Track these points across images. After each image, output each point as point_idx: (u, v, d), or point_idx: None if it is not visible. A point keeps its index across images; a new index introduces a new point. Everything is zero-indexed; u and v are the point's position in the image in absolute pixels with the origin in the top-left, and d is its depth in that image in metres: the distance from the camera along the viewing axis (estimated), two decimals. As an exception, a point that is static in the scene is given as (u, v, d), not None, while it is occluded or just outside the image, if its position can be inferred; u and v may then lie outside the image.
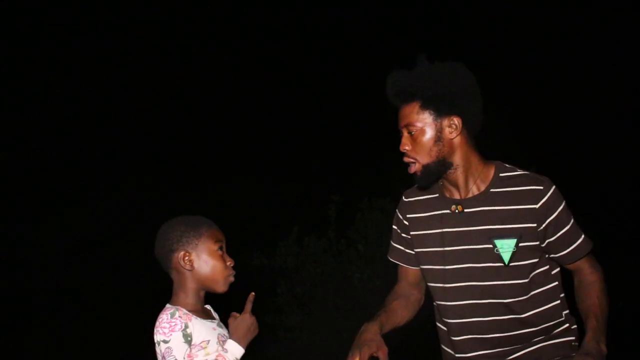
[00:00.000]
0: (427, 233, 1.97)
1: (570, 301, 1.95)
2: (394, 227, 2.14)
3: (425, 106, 1.85)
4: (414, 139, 1.86)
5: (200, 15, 10.26)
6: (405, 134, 1.88)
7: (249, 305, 1.81)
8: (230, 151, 10.01)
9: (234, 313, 1.83)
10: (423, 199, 2.02)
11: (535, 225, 1.83)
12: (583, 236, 1.89)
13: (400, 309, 2.06)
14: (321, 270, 5.98)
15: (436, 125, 1.85)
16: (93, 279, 8.00)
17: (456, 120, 1.86)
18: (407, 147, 1.88)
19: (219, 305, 1.95)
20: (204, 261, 1.80)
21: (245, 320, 1.79)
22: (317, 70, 9.91)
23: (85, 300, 7.76)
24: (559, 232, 1.85)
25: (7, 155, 8.98)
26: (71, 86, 9.81)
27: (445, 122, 1.86)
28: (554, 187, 1.86)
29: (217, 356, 1.71)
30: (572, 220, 1.88)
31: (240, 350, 1.75)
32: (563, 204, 1.86)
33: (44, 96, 9.69)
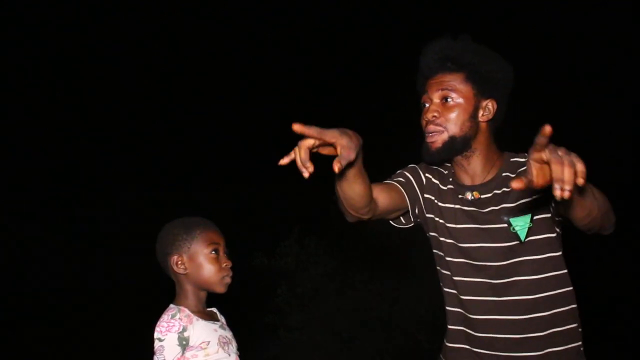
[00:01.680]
0: (444, 206, 1.91)
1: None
2: (405, 172, 1.97)
3: (470, 79, 1.80)
4: (447, 108, 1.79)
5: (200, 17, 10.27)
6: (438, 101, 1.81)
7: None
8: (231, 152, 10.02)
9: None
10: (443, 172, 1.95)
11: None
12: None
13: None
14: (322, 270, 5.99)
15: (474, 102, 1.81)
16: (97, 279, 8.01)
17: (491, 105, 1.83)
18: (436, 114, 1.79)
19: (219, 305, 1.95)
20: (197, 264, 1.80)
21: None
22: (317, 70, 9.91)
23: (89, 300, 7.77)
24: None
25: (10, 155, 8.98)
26: (75, 86, 9.82)
27: (483, 102, 1.83)
28: None
29: None
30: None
31: None
32: None
33: (47, 96, 9.69)
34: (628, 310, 6.54)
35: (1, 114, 9.19)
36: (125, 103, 9.90)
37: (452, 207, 1.89)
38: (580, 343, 1.86)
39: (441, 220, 1.91)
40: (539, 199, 1.78)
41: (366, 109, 9.02)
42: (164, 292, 1.95)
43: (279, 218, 7.85)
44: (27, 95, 9.54)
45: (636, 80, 7.94)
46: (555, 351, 1.81)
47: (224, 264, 1.83)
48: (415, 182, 1.96)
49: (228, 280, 1.83)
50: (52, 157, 9.31)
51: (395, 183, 1.94)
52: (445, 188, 1.93)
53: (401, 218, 2.00)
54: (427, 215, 1.96)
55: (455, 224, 1.88)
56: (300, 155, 1.49)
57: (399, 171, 2.01)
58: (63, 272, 8.04)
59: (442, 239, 1.92)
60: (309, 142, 1.49)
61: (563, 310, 1.83)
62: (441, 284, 1.98)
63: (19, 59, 9.41)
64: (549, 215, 1.79)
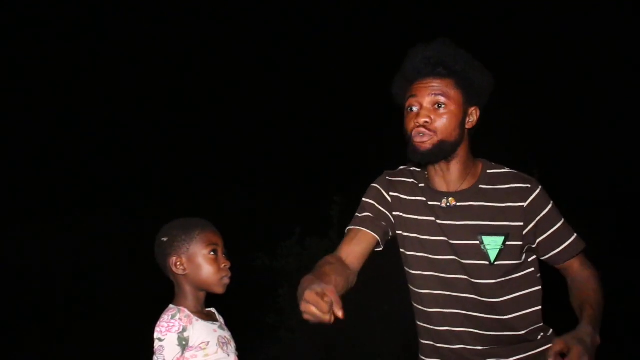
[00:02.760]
0: (413, 218, 1.91)
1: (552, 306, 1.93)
2: (369, 200, 1.97)
3: (459, 86, 1.80)
4: (439, 114, 1.78)
5: (198, 16, 10.28)
6: (429, 106, 1.78)
7: None
8: (232, 153, 10.03)
9: None
10: (409, 182, 1.95)
11: (522, 224, 1.80)
12: (575, 235, 1.86)
13: (334, 274, 1.74)
14: (323, 271, 5.97)
15: (463, 109, 1.81)
16: (96, 279, 8.02)
17: (475, 112, 1.84)
18: (428, 120, 1.77)
19: (220, 305, 1.95)
20: (196, 265, 1.81)
21: None
22: (320, 71, 9.91)
23: (88, 300, 7.78)
24: (550, 229, 1.82)
25: (11, 156, 9.01)
26: (78, 89, 9.85)
27: (469, 109, 1.83)
28: (540, 186, 1.84)
29: None
30: (562, 220, 1.85)
31: None
32: (551, 203, 1.84)
33: (52, 99, 9.72)
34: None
35: (4, 114, 9.22)
36: (125, 105, 9.92)
37: (425, 220, 1.89)
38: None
39: (412, 234, 1.91)
40: (517, 227, 1.81)
41: (368, 109, 9.03)
42: (163, 292, 1.96)
43: (280, 219, 7.85)
44: (34, 99, 9.58)
45: (636, 81, 7.93)
46: (524, 356, 1.85)
47: (223, 265, 1.84)
48: (382, 206, 1.96)
49: (227, 281, 1.84)
50: (55, 159, 9.34)
51: (361, 228, 1.93)
52: (414, 199, 1.92)
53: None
54: (397, 231, 1.96)
55: (430, 235, 1.88)
56: (320, 309, 1.37)
57: (363, 200, 1.99)
58: (62, 273, 8.05)
59: (409, 253, 1.94)
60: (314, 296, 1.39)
61: (532, 329, 1.85)
62: (411, 300, 2.01)
63: (19, 59, 9.44)
64: (520, 243, 1.81)
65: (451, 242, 1.84)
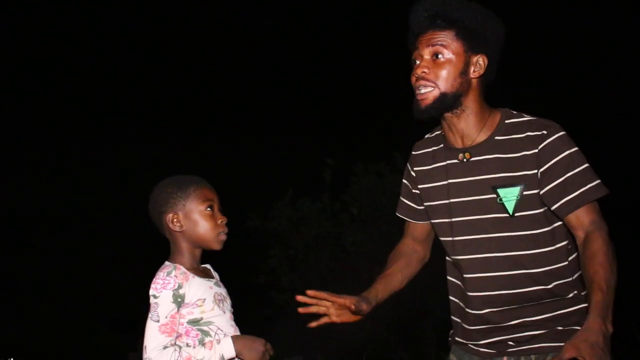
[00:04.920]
0: (433, 186, 1.93)
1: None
2: (405, 181, 2.09)
3: (460, 36, 1.79)
4: (437, 65, 1.79)
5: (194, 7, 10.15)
6: (428, 57, 1.81)
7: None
8: (225, 112, 9.97)
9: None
10: (429, 151, 1.97)
11: (535, 171, 1.76)
12: (595, 182, 1.74)
13: (401, 271, 2.05)
14: (315, 232, 6.01)
15: (465, 58, 1.80)
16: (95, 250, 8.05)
17: (482, 60, 1.82)
18: (426, 70, 1.79)
19: (211, 265, 1.95)
20: (192, 221, 1.80)
21: (256, 344, 1.78)
22: (314, 32, 9.80)
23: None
24: (560, 178, 1.73)
25: (9, 153, 9.00)
26: (76, 83, 9.77)
27: (474, 58, 1.82)
28: (562, 132, 1.77)
29: (208, 343, 1.72)
30: (582, 167, 1.75)
31: (230, 351, 1.73)
32: (571, 149, 1.75)
33: (50, 95, 9.64)
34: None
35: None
36: (124, 58, 9.83)
37: (445, 184, 1.90)
38: (586, 304, 1.78)
39: (436, 202, 1.93)
40: (531, 175, 1.77)
41: (363, 72, 8.97)
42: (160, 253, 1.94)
43: (272, 180, 7.85)
44: (31, 94, 9.51)
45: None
46: (553, 315, 1.82)
47: (220, 220, 1.83)
48: (412, 185, 2.06)
49: (223, 237, 1.84)
50: (54, 157, 9.36)
51: (408, 220, 2.12)
52: (433, 167, 1.95)
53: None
54: (425, 203, 1.99)
55: (449, 198, 1.89)
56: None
57: (402, 181, 2.12)
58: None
59: (435, 220, 1.96)
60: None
61: (562, 283, 1.82)
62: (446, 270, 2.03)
63: (20, 59, 9.37)
64: (536, 191, 1.78)
65: (469, 199, 1.84)
